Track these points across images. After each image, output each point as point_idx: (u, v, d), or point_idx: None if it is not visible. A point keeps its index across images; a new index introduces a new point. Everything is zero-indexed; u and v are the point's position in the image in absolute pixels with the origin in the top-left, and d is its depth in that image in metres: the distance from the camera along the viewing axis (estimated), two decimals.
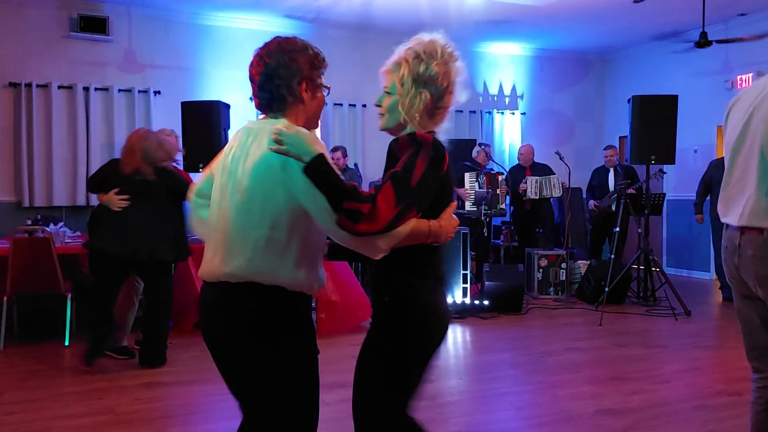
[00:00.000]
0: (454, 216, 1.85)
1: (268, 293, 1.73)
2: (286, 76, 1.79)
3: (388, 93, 1.87)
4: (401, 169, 1.68)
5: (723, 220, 2.32)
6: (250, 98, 1.93)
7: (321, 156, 1.63)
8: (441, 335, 1.89)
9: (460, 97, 1.90)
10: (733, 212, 2.24)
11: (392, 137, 1.91)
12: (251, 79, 1.85)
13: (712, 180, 6.68)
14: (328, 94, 1.93)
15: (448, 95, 1.86)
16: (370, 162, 8.58)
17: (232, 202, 1.77)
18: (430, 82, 1.81)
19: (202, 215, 1.99)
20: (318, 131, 9.57)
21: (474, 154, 7.59)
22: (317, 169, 1.62)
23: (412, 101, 1.81)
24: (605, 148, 7.96)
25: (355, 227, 1.60)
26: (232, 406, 1.73)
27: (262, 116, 1.90)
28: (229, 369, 1.84)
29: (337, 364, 3.13)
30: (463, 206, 6.92)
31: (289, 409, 1.80)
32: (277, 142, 1.64)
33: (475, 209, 6.77)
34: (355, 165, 7.93)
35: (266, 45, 1.84)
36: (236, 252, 1.74)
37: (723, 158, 2.40)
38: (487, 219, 6.84)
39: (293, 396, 1.80)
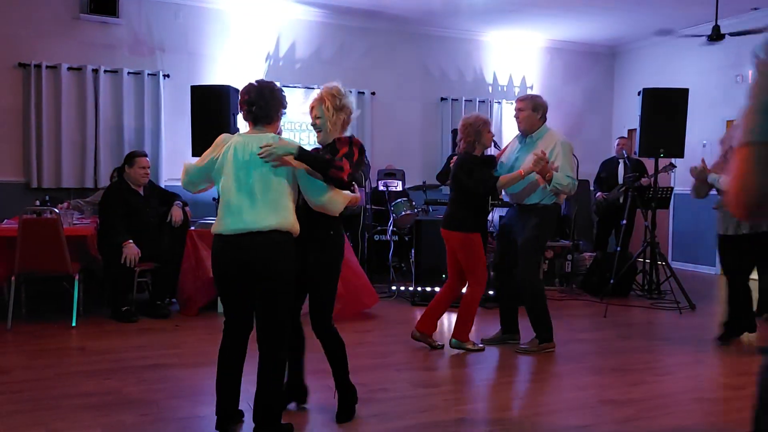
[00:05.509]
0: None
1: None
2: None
3: (319, 117, 3.11)
4: (347, 154, 2.96)
5: None
6: None
7: (301, 147, 2.86)
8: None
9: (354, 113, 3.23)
10: None
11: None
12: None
13: None
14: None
15: (350, 113, 3.17)
16: (379, 149, 8.58)
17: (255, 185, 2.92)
18: (344, 108, 3.12)
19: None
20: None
21: None
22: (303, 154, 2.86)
23: (336, 121, 3.11)
24: (619, 137, 7.93)
25: (341, 175, 2.86)
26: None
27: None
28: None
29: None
30: None
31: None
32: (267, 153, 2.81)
33: None
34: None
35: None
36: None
37: None
38: (492, 209, 6.79)
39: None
